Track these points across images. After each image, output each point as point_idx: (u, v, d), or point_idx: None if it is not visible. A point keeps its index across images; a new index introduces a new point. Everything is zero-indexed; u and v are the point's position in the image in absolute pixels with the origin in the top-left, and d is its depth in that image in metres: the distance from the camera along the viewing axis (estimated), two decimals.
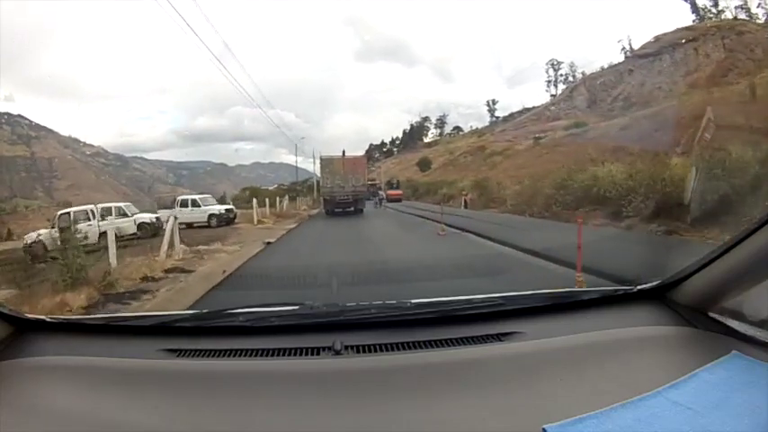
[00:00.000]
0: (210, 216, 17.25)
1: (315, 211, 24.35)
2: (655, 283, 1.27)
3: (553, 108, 37.99)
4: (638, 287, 1.31)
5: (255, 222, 16.57)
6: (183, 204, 18.09)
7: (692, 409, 0.84)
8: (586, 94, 35.73)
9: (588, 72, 38.92)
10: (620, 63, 35.32)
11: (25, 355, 1.11)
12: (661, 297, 1.26)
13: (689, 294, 1.18)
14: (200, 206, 17.84)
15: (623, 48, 36.40)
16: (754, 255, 1.00)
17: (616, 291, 1.36)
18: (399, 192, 31.96)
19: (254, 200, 18.16)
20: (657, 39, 31.71)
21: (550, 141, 29.86)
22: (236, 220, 17.43)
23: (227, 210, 18.00)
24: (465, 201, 20.84)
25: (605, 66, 36.41)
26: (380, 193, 26.13)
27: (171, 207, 17.50)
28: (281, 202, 23.78)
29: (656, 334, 1.14)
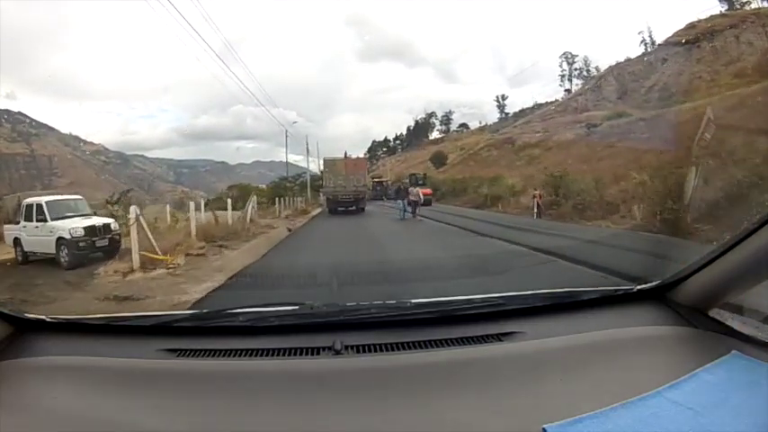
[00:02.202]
0: (60, 242, 8.07)
1: (304, 220, 16.58)
2: (655, 283, 1.28)
3: (580, 99, 35.39)
4: (638, 287, 1.31)
5: (137, 267, 6.91)
6: (28, 215, 8.78)
7: (692, 409, 0.85)
8: (616, 85, 33.17)
9: (598, 65, 36.56)
10: (649, 52, 33.02)
11: (25, 355, 1.11)
12: (661, 297, 1.26)
13: (689, 294, 1.18)
14: (46, 220, 8.44)
15: (643, 39, 33.81)
16: (754, 255, 1.00)
17: (616, 291, 1.36)
18: (428, 191, 23.09)
19: (135, 210, 7.75)
20: (692, 26, 29.49)
21: (610, 129, 23.92)
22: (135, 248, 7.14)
23: (88, 229, 8.24)
24: (538, 204, 14.17)
25: (626, 57, 34.06)
26: (414, 191, 15.70)
27: (15, 221, 9.09)
28: (237, 208, 13.72)
29: (656, 334, 1.14)
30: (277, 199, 21.54)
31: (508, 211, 16.85)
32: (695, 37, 28.63)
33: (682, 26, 30.25)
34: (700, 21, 29.29)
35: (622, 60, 34.22)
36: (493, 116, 45.96)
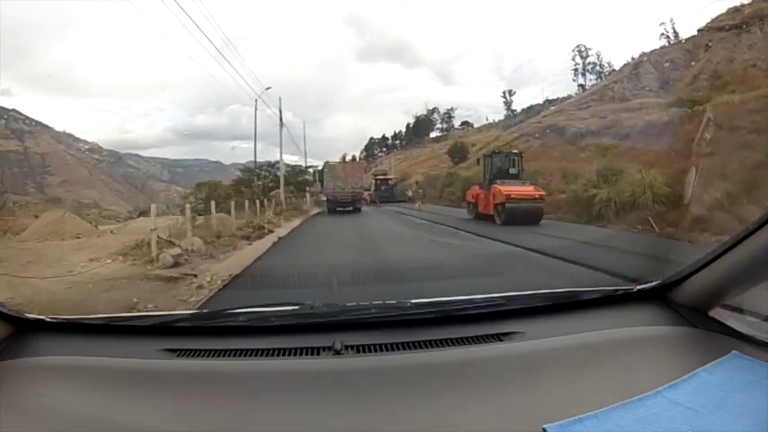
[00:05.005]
0: None
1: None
2: (655, 283, 1.28)
3: (616, 87, 31.37)
4: (639, 287, 1.31)
5: None
6: None
7: (692, 409, 0.85)
8: (655, 73, 29.80)
9: (610, 60, 34.86)
10: (687, 39, 29.32)
11: (25, 355, 1.11)
12: (661, 297, 1.26)
13: (689, 294, 1.19)
14: None
15: (664, 31, 32.42)
16: (753, 255, 1.00)
17: (616, 291, 1.36)
18: (532, 189, 11.97)
19: None
20: (737, 10, 26.21)
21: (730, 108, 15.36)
22: None
23: None
24: None
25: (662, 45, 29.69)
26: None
27: None
28: None
29: (656, 334, 1.15)
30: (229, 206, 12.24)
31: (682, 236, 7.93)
32: (742, 22, 25.30)
33: (723, 10, 26.76)
34: (743, 5, 26.04)
35: (657, 48, 30.19)
36: (491, 118, 44.61)
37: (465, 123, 45.08)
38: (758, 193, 7.97)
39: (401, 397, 0.95)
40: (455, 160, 30.65)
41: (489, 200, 12.04)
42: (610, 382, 0.97)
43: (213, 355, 1.11)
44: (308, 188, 24.77)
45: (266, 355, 1.11)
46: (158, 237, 7.57)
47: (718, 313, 1.13)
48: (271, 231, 11.30)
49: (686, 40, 29.31)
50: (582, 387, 0.96)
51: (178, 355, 1.12)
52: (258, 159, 23.72)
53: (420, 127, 46.99)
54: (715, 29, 27.02)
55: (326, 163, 23.28)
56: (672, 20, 31.31)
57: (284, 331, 1.20)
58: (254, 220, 12.49)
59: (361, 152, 45.18)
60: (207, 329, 1.26)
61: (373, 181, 28.06)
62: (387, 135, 49.00)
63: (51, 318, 1.25)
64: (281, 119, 22.91)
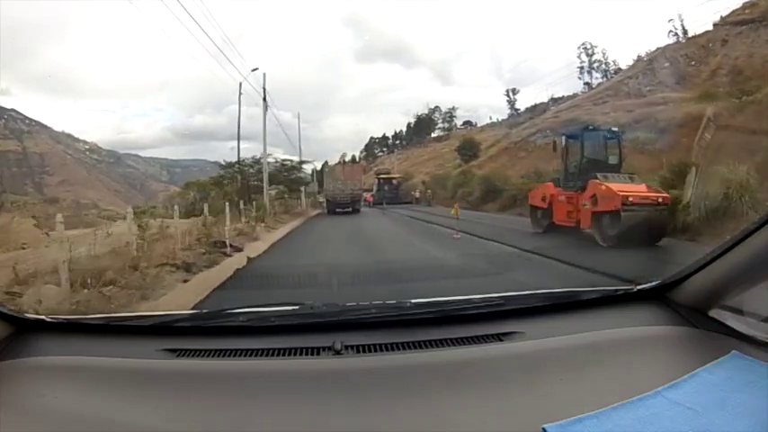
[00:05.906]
0: None
1: None
2: (655, 283, 1.28)
3: (631, 82, 30.53)
4: (638, 287, 1.31)
5: None
6: None
7: (692, 409, 0.85)
8: (670, 68, 29.07)
9: (615, 58, 33.37)
10: (701, 34, 28.58)
11: (25, 355, 1.10)
12: (661, 297, 1.26)
13: (689, 294, 1.18)
14: None
15: (673, 29, 30.08)
16: (753, 255, 1.00)
17: (616, 291, 1.36)
18: (645, 188, 7.89)
19: None
20: (753, 4, 25.70)
21: None
22: None
23: None
24: None
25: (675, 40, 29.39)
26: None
27: None
28: None
29: (656, 334, 1.15)
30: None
31: None
32: (760, 16, 24.52)
33: (739, 5, 26.14)
34: None
35: (672, 43, 29.81)
36: (493, 118, 43.95)
37: (467, 123, 44.48)
38: None
39: (401, 397, 0.95)
40: (465, 158, 28.19)
41: (579, 204, 8.31)
42: (610, 382, 0.97)
43: (213, 355, 1.11)
44: (303, 188, 22.40)
45: (266, 355, 1.10)
46: None
47: (718, 313, 1.13)
48: (238, 250, 8.08)
49: (700, 35, 28.25)
50: (582, 387, 0.96)
51: (178, 355, 1.11)
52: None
53: (421, 126, 46.26)
54: (731, 23, 26.17)
55: (326, 164, 23.95)
56: (680, 16, 30.52)
57: (284, 331, 1.20)
58: (216, 230, 8.99)
59: (361, 152, 44.99)
60: (207, 329, 1.26)
61: (376, 181, 27.22)
62: (387, 135, 48.51)
63: (51, 318, 1.25)
64: (264, 99, 19.27)
